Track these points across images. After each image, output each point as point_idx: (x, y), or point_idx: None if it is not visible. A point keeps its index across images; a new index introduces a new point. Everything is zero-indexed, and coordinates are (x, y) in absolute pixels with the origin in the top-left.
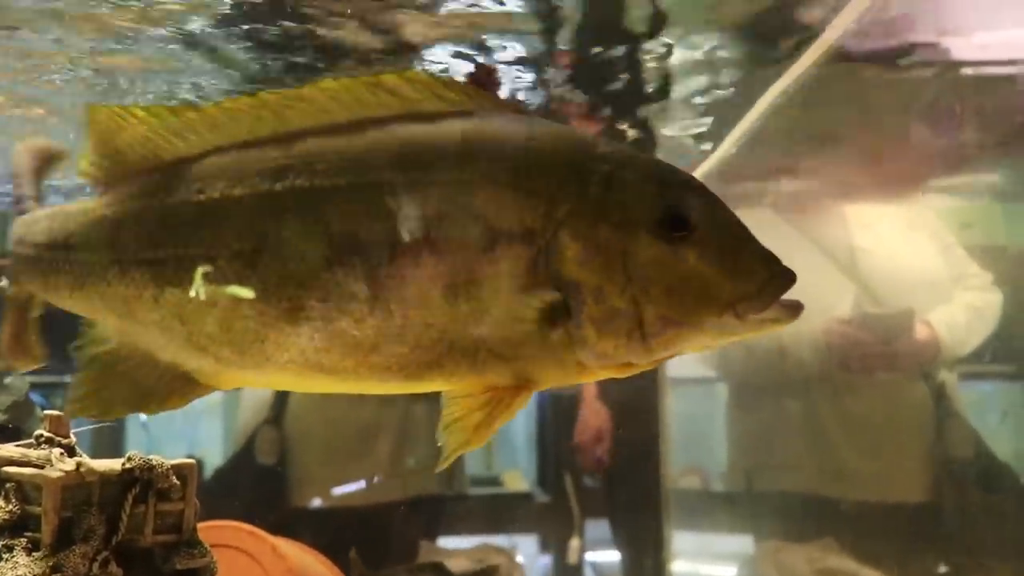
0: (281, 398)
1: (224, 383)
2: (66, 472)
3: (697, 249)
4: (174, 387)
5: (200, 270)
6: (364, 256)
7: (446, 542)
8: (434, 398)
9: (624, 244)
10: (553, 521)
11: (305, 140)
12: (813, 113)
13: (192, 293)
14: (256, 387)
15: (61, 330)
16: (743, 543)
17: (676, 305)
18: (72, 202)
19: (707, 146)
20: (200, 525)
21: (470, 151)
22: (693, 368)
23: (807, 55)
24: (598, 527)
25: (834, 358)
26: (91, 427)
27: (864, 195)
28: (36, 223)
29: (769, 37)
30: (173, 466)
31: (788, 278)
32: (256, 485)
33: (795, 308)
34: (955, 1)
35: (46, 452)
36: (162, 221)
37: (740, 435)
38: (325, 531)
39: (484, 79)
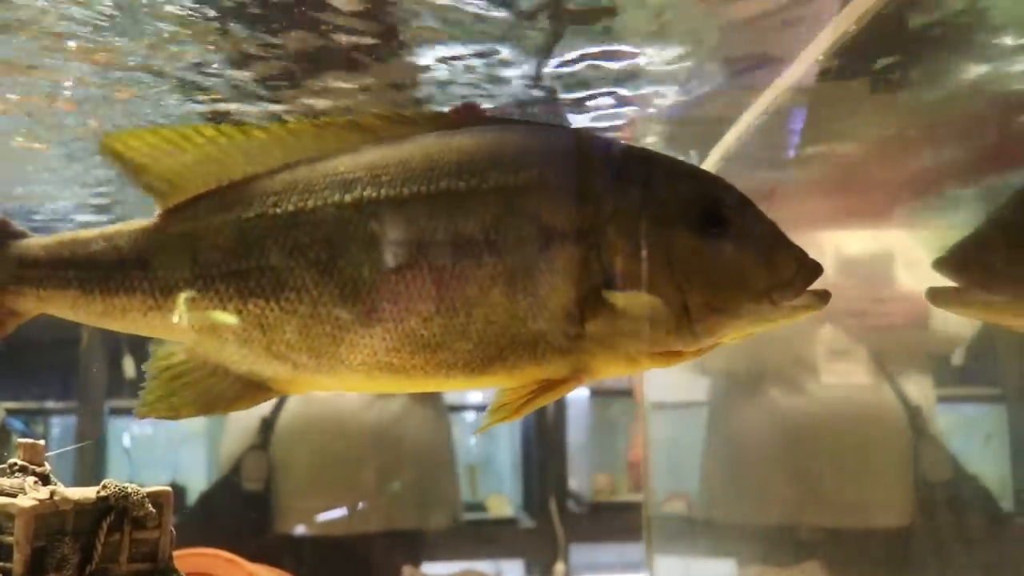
0: (268, 424)
1: (296, 388)
2: (39, 501)
3: (733, 242)
4: (244, 393)
5: (283, 280)
6: (430, 259)
7: (430, 568)
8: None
9: (667, 239)
10: (538, 546)
11: (367, 155)
12: (785, 137)
13: (275, 303)
14: (326, 390)
15: (40, 357)
16: (726, 568)
17: (717, 293)
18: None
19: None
20: (177, 553)
21: (522, 158)
22: (675, 393)
23: (782, 79)
24: (582, 552)
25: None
26: (72, 447)
27: (838, 219)
28: (80, 245)
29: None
30: (148, 494)
31: (817, 269)
32: (242, 510)
33: (824, 295)
34: None
35: (19, 480)
36: (242, 235)
37: (718, 461)
38: (309, 557)
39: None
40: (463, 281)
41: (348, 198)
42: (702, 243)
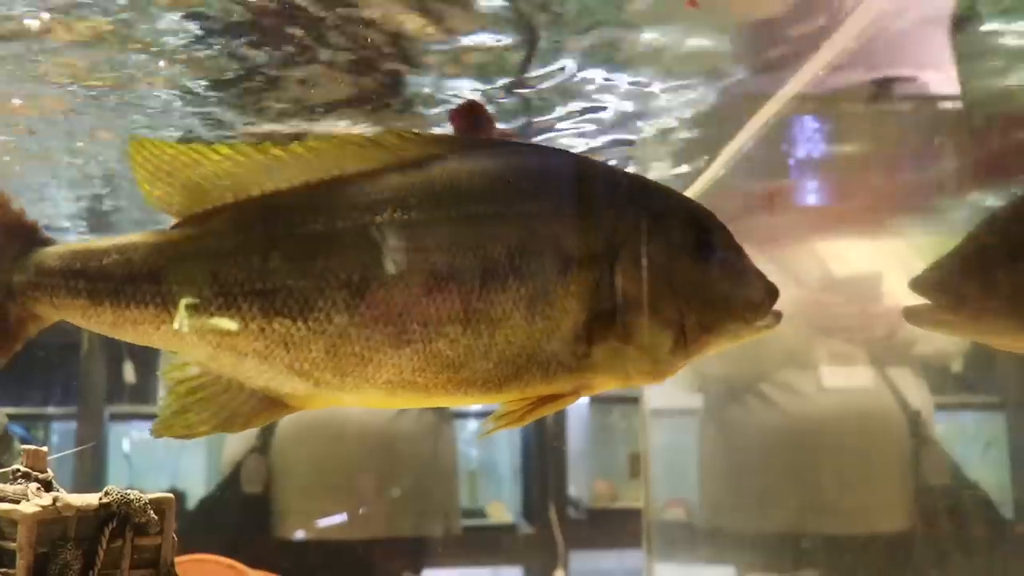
0: (268, 428)
1: (314, 404)
2: (42, 507)
3: (719, 268)
4: (261, 409)
5: (311, 300)
6: (459, 282)
7: (430, 574)
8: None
9: (669, 265)
10: (537, 553)
11: (392, 177)
12: (786, 149)
13: (302, 323)
14: (344, 406)
15: (41, 363)
16: (726, 574)
17: (708, 314)
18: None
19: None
20: (179, 559)
21: (543, 185)
22: (674, 400)
23: (785, 89)
24: (582, 558)
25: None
26: (72, 451)
27: (836, 228)
28: (91, 256)
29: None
30: (151, 500)
31: (777, 291)
32: (243, 514)
33: (779, 315)
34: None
35: (22, 487)
36: (267, 253)
37: (717, 468)
38: (308, 561)
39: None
40: (488, 304)
41: (378, 219)
42: (696, 269)
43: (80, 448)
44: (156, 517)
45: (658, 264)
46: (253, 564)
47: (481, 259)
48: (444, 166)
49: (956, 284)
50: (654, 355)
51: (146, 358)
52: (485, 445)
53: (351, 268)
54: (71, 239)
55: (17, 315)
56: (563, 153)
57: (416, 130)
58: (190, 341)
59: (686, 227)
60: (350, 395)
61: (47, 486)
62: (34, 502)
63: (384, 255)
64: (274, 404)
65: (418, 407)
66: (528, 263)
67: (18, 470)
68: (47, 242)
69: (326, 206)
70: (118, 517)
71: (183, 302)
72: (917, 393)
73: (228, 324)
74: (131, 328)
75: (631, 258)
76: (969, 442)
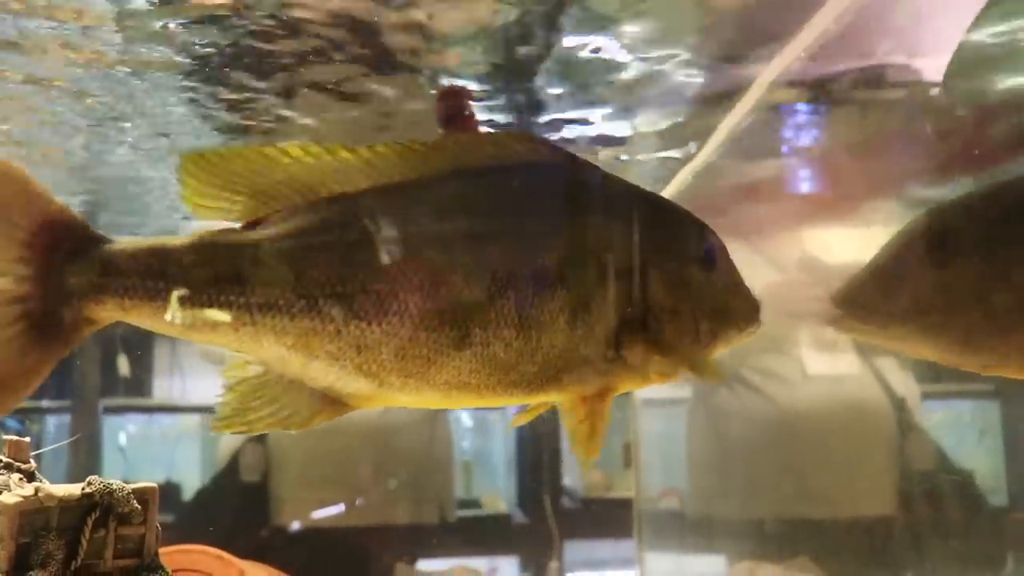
0: None
1: (372, 404)
2: (24, 497)
3: (721, 278)
4: (321, 409)
5: (387, 304)
6: (516, 289)
7: (425, 564)
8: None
9: (687, 276)
10: (532, 542)
11: (453, 184)
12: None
13: (377, 325)
14: (403, 406)
15: None
16: (717, 562)
17: (717, 320)
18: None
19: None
20: (166, 549)
21: (590, 200)
22: (664, 389)
23: (761, 80)
24: (577, 548)
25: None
26: (57, 445)
27: (821, 217)
28: (169, 256)
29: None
30: (134, 490)
31: (759, 301)
32: (239, 503)
33: (761, 324)
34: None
35: (4, 477)
36: (344, 256)
37: (705, 456)
38: (305, 550)
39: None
40: (539, 310)
41: (446, 227)
42: (707, 281)
43: (67, 441)
44: (139, 507)
45: (680, 276)
46: (250, 553)
47: (535, 268)
48: (502, 178)
49: (861, 298)
50: (674, 358)
51: (140, 352)
52: (480, 436)
53: (422, 273)
54: None
55: (71, 319)
56: (598, 170)
57: (477, 133)
58: (266, 342)
59: (699, 243)
60: (409, 395)
61: (30, 476)
62: (16, 492)
63: (452, 260)
64: (334, 404)
65: (465, 407)
66: (573, 273)
67: (0, 461)
68: (104, 240)
69: (395, 210)
70: (101, 507)
71: (266, 305)
72: (902, 380)
73: (308, 326)
74: (208, 331)
75: (658, 270)
76: (964, 430)
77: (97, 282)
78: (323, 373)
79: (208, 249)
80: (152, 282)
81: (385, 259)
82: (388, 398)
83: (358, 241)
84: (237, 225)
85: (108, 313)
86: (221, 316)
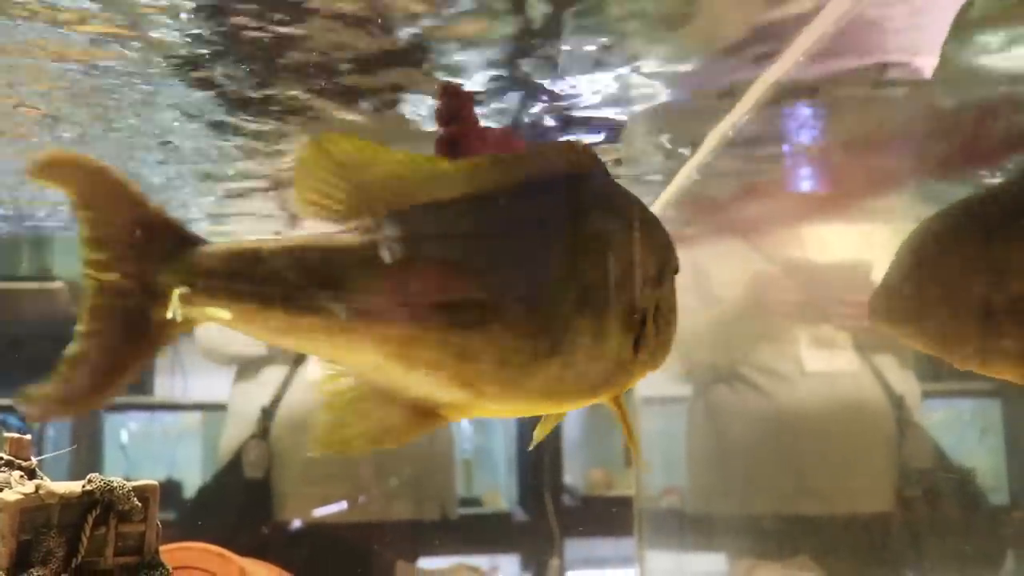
0: (268, 414)
1: (465, 414)
2: (25, 495)
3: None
4: (415, 421)
5: (490, 313)
6: (595, 299)
7: (426, 562)
8: None
9: (673, 280)
10: (533, 540)
11: (539, 197)
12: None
13: (479, 334)
14: (489, 415)
15: (36, 354)
16: (717, 561)
17: (675, 316)
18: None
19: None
20: (167, 547)
21: (633, 213)
22: (664, 388)
23: (766, 76)
24: (577, 546)
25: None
26: (65, 451)
27: (820, 214)
28: (259, 258)
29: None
30: (134, 488)
31: None
32: (242, 500)
33: None
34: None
35: (5, 475)
36: (451, 265)
37: (705, 454)
38: (304, 550)
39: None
40: (607, 319)
41: (539, 238)
42: (674, 287)
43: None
44: (140, 504)
45: (672, 281)
46: (252, 550)
47: (607, 278)
48: (571, 191)
49: (890, 305)
50: (658, 361)
51: None
52: (480, 434)
53: (526, 283)
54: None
55: (159, 320)
56: (623, 188)
57: (549, 143)
58: (361, 351)
59: (674, 251)
60: (500, 405)
61: (30, 474)
62: (17, 490)
63: (546, 272)
64: (428, 416)
65: (538, 414)
66: (625, 283)
67: (1, 458)
68: (198, 241)
69: (490, 220)
70: (101, 504)
71: (365, 311)
72: (902, 377)
73: (408, 335)
74: (301, 336)
75: (663, 278)
76: (965, 429)
77: (188, 283)
78: (420, 383)
79: (300, 252)
80: (243, 284)
81: (487, 269)
82: (481, 408)
83: (482, 251)
84: (331, 228)
85: (196, 315)
86: (315, 322)
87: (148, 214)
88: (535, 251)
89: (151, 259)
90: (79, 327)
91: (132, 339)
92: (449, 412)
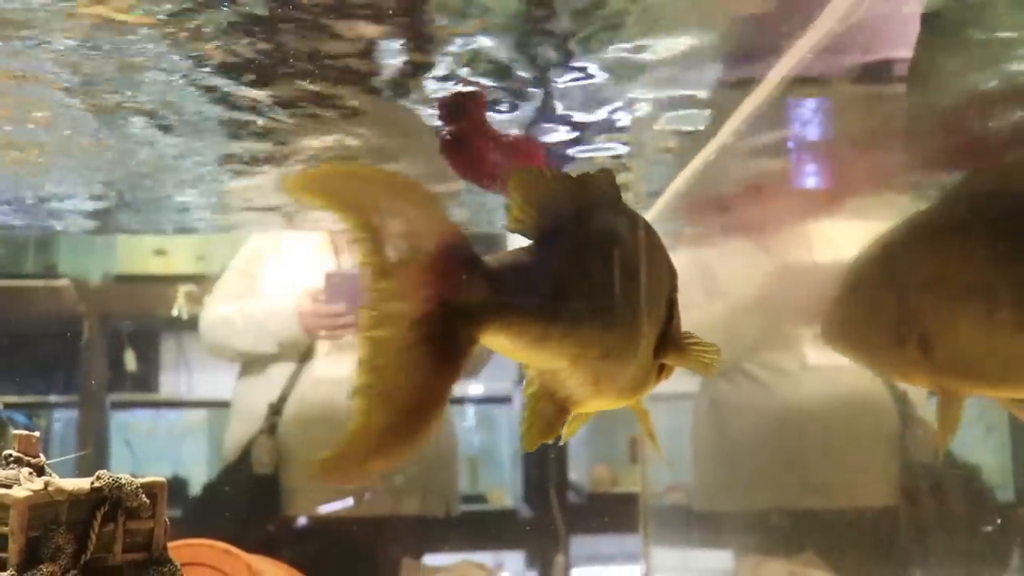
0: (275, 410)
1: (579, 409)
2: (34, 491)
3: None
4: (555, 417)
5: (621, 315)
6: (651, 308)
7: (431, 559)
8: None
9: (676, 299)
10: (538, 538)
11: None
12: (776, 133)
13: (615, 336)
14: (587, 409)
15: (42, 351)
16: (723, 558)
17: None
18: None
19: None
20: (174, 543)
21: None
22: (670, 384)
23: (771, 75)
24: (582, 543)
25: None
26: (73, 456)
27: (825, 212)
28: (539, 270)
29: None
30: (142, 484)
31: None
32: (249, 496)
33: None
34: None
35: (14, 472)
36: (606, 276)
37: (710, 450)
38: (310, 546)
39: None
40: (660, 322)
41: (639, 256)
42: None
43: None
44: (148, 501)
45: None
46: (259, 546)
47: (663, 290)
48: (634, 215)
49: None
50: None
51: (147, 347)
52: (485, 431)
53: (636, 291)
54: None
55: (463, 340)
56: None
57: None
58: (564, 356)
59: None
60: (597, 401)
61: (39, 471)
62: (26, 487)
63: (637, 284)
64: (561, 412)
65: (607, 408)
66: (656, 295)
67: (10, 455)
68: (481, 258)
69: (624, 240)
70: (110, 501)
71: (579, 319)
72: None
73: (593, 337)
74: (556, 345)
75: (676, 290)
76: (972, 426)
77: (484, 302)
78: (574, 381)
79: (569, 264)
80: (530, 299)
81: (617, 279)
82: (588, 405)
83: (611, 264)
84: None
85: (491, 332)
86: (570, 330)
87: (449, 234)
88: (632, 265)
89: (451, 280)
90: (367, 370)
91: (437, 364)
92: (575, 408)
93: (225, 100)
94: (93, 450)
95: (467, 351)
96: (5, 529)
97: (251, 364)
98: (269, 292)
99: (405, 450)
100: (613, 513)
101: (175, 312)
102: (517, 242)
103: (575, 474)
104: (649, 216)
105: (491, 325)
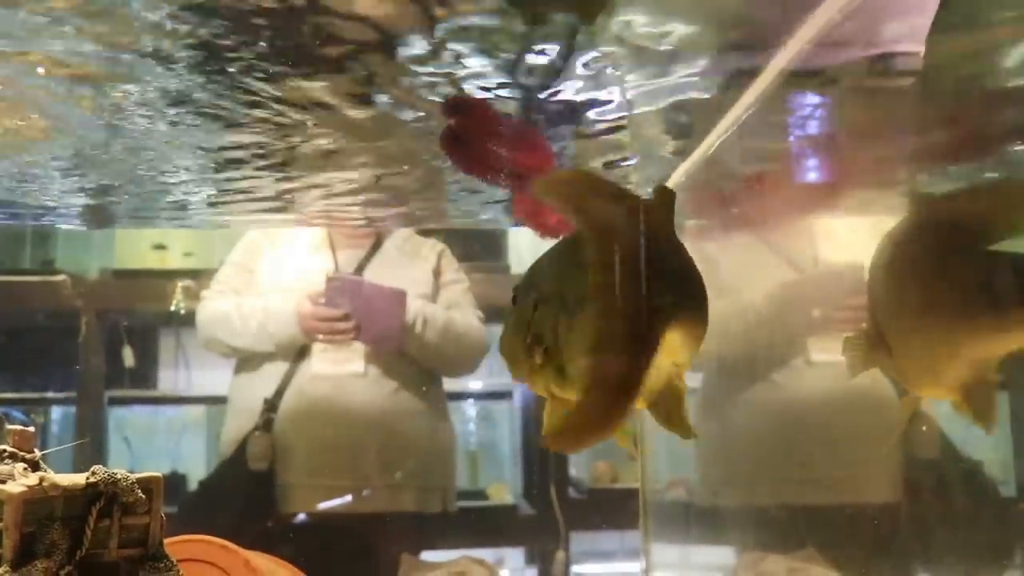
0: (272, 406)
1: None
2: (29, 487)
3: None
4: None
5: None
6: None
7: (431, 555)
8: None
9: None
10: (538, 534)
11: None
12: (776, 129)
13: None
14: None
15: (40, 348)
16: (724, 553)
17: None
18: None
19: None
20: (171, 540)
21: None
22: None
23: (770, 68)
24: (583, 539)
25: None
26: (69, 446)
27: (827, 206)
28: None
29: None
30: (138, 480)
31: None
32: (246, 492)
33: None
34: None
35: (9, 467)
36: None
37: (712, 446)
38: (308, 542)
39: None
40: None
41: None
42: None
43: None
44: (144, 496)
45: None
46: (255, 541)
47: None
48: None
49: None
50: None
51: (145, 343)
52: (486, 426)
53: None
54: None
55: (661, 330)
56: None
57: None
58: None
59: None
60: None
61: (34, 466)
62: (21, 482)
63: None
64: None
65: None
66: None
67: (5, 450)
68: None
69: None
70: (105, 496)
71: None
72: None
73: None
74: None
75: None
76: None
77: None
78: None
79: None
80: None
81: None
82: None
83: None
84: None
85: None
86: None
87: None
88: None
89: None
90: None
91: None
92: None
93: (226, 93)
94: (91, 446)
95: (660, 341)
96: (0, 525)
97: (247, 360)
98: (267, 287)
99: (615, 426)
100: (613, 509)
101: (173, 307)
102: (517, 240)
103: (575, 470)
104: None
105: (680, 319)
